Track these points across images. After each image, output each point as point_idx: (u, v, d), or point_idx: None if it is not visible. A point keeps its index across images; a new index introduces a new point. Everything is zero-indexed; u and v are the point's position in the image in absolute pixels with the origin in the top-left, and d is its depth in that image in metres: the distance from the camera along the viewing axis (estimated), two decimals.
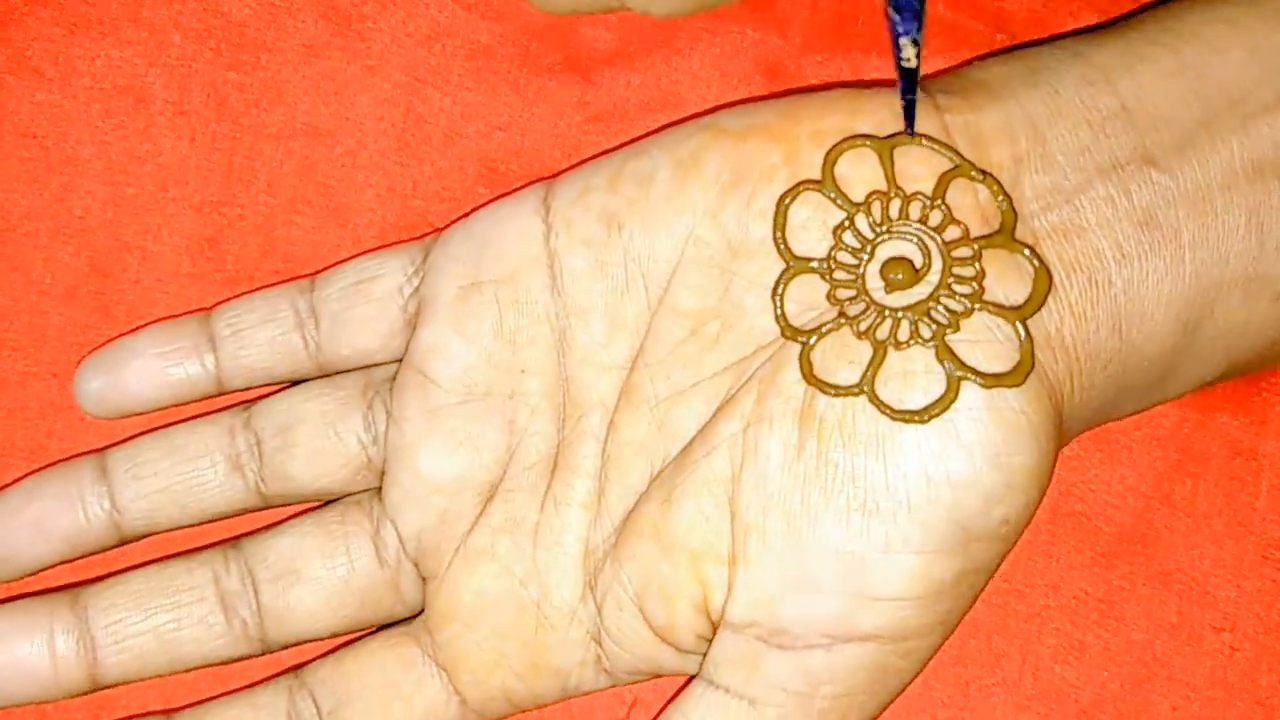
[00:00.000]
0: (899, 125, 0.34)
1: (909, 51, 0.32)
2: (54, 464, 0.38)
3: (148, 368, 0.37)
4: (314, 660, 0.37)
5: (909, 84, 0.33)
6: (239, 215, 0.40)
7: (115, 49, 0.40)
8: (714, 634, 0.34)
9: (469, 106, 0.40)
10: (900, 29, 0.32)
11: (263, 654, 0.36)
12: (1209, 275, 0.33)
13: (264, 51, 0.40)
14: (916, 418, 0.32)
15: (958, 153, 0.34)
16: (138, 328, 0.38)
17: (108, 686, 0.36)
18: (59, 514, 0.36)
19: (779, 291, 0.34)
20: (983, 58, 0.37)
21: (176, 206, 0.40)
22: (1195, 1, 0.35)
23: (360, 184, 0.40)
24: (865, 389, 0.33)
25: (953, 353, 0.33)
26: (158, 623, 0.36)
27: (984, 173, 0.33)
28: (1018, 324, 0.33)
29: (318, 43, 0.40)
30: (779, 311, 0.34)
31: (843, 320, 0.34)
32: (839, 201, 0.34)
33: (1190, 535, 0.39)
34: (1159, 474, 0.39)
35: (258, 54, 0.40)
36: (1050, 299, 0.33)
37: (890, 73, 0.40)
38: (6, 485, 0.38)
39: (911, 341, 0.33)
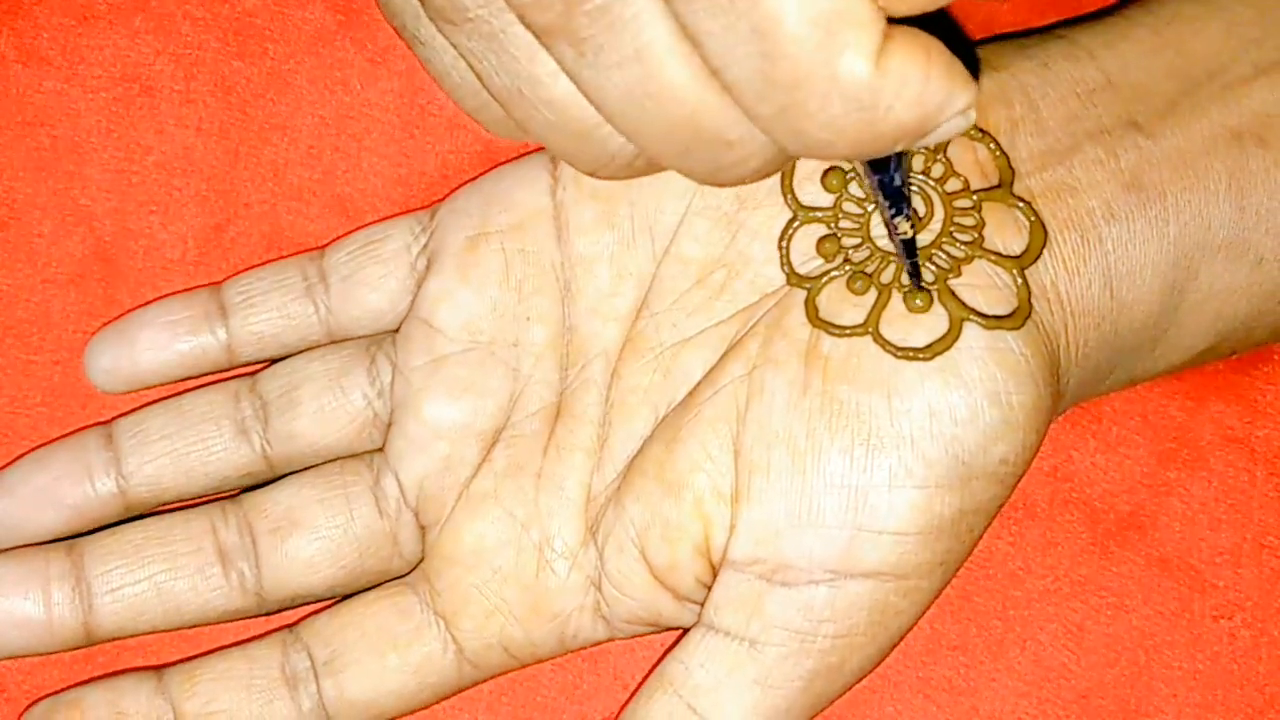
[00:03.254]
0: None
1: (904, 226, 0.33)
2: (60, 437, 0.38)
3: (158, 338, 0.37)
4: (309, 616, 0.37)
5: (909, 250, 0.34)
6: (245, 204, 0.40)
7: (123, 38, 0.40)
8: (713, 579, 0.34)
9: None
10: (891, 211, 0.33)
11: (259, 609, 0.36)
12: (1192, 238, 0.34)
13: (271, 41, 0.40)
14: (921, 355, 0.33)
15: None
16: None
17: (104, 640, 0.36)
18: (66, 484, 0.37)
19: (786, 240, 0.35)
20: (980, 43, 0.38)
21: (182, 195, 0.40)
22: None
23: (365, 172, 0.40)
24: (870, 329, 0.34)
25: (955, 295, 0.33)
26: (153, 572, 0.36)
27: (983, 131, 0.35)
28: (1016, 271, 0.34)
29: (324, 32, 0.40)
30: (785, 259, 0.35)
31: (848, 266, 0.34)
32: None
33: (1188, 522, 0.39)
34: (1155, 462, 0.39)
35: (265, 44, 0.40)
36: (1045, 254, 0.34)
37: None
38: None
39: (915, 284, 0.34)
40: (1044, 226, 0.34)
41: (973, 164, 0.34)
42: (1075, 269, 0.34)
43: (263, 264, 0.39)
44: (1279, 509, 0.39)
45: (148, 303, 0.39)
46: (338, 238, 0.39)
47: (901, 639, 0.35)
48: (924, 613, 0.34)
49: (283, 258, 0.39)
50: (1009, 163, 0.34)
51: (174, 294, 0.38)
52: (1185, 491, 0.39)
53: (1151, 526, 0.39)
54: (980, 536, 0.34)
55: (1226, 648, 0.38)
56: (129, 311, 0.38)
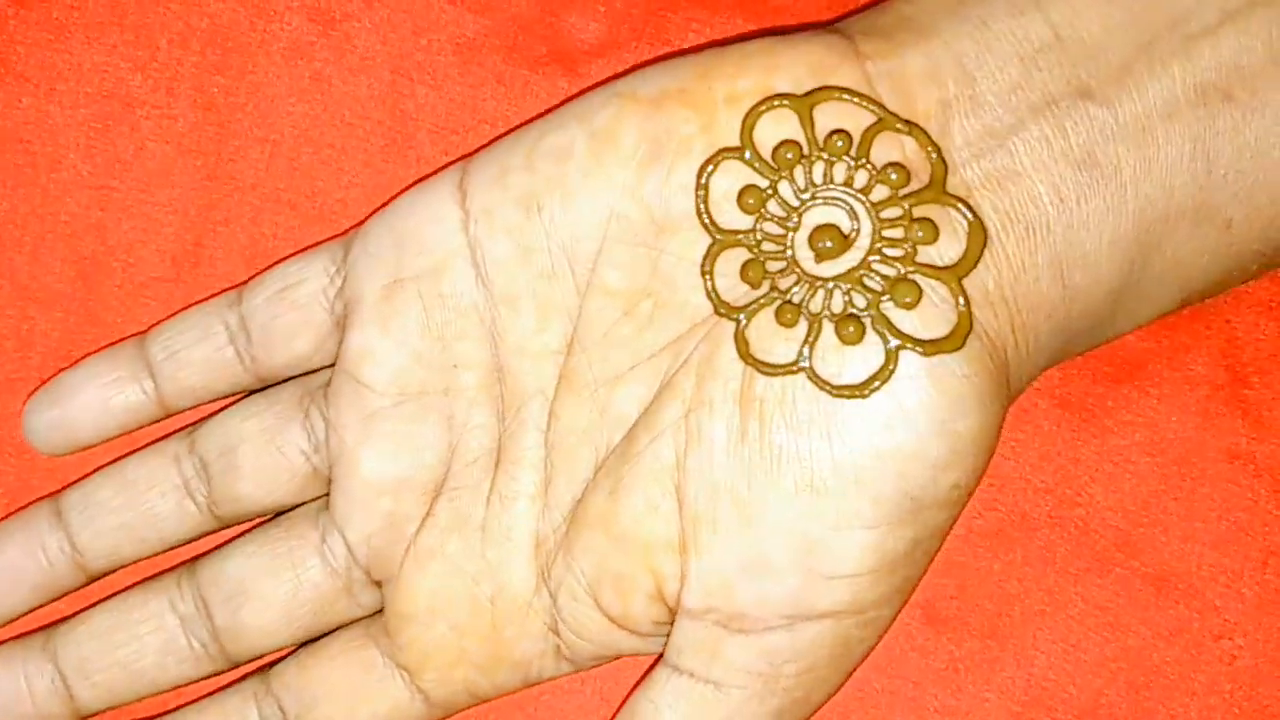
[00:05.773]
0: (818, 79, 0.32)
1: None
2: (10, 515, 0.38)
3: (90, 400, 0.37)
4: (279, 662, 0.37)
5: None
6: (225, 219, 0.40)
7: (101, 53, 0.40)
8: (671, 619, 0.34)
9: (455, 101, 0.39)
10: None
11: (229, 665, 0.37)
12: (1154, 209, 0.32)
13: (249, 55, 0.40)
14: (857, 392, 0.32)
15: (881, 105, 0.32)
16: (125, 336, 0.39)
17: (91, 715, 0.37)
18: (25, 565, 0.37)
19: (708, 268, 0.33)
20: None
21: (162, 210, 0.40)
22: None
23: (347, 184, 0.39)
24: (803, 366, 0.32)
25: (889, 321, 0.32)
26: (122, 656, 0.36)
27: (910, 124, 0.32)
28: (954, 284, 0.31)
29: (303, 43, 0.40)
30: (710, 288, 0.33)
31: (775, 294, 0.32)
32: (760, 169, 0.33)
33: (1188, 541, 0.38)
34: (1157, 479, 0.38)
35: (244, 57, 0.40)
36: (987, 252, 0.32)
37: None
38: None
39: (847, 312, 0.32)
40: (983, 226, 0.31)
41: (900, 162, 0.32)
42: (1021, 264, 0.32)
43: (242, 279, 0.39)
44: None
45: (126, 330, 0.39)
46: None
47: (864, 660, 0.34)
48: (886, 632, 0.34)
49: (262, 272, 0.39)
50: (941, 156, 0.32)
51: (100, 349, 0.38)
52: (1186, 510, 0.38)
53: (1150, 544, 0.38)
54: (937, 552, 0.33)
55: (1225, 668, 0.38)
56: (108, 344, 0.39)
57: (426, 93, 0.39)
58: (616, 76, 0.39)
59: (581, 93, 0.35)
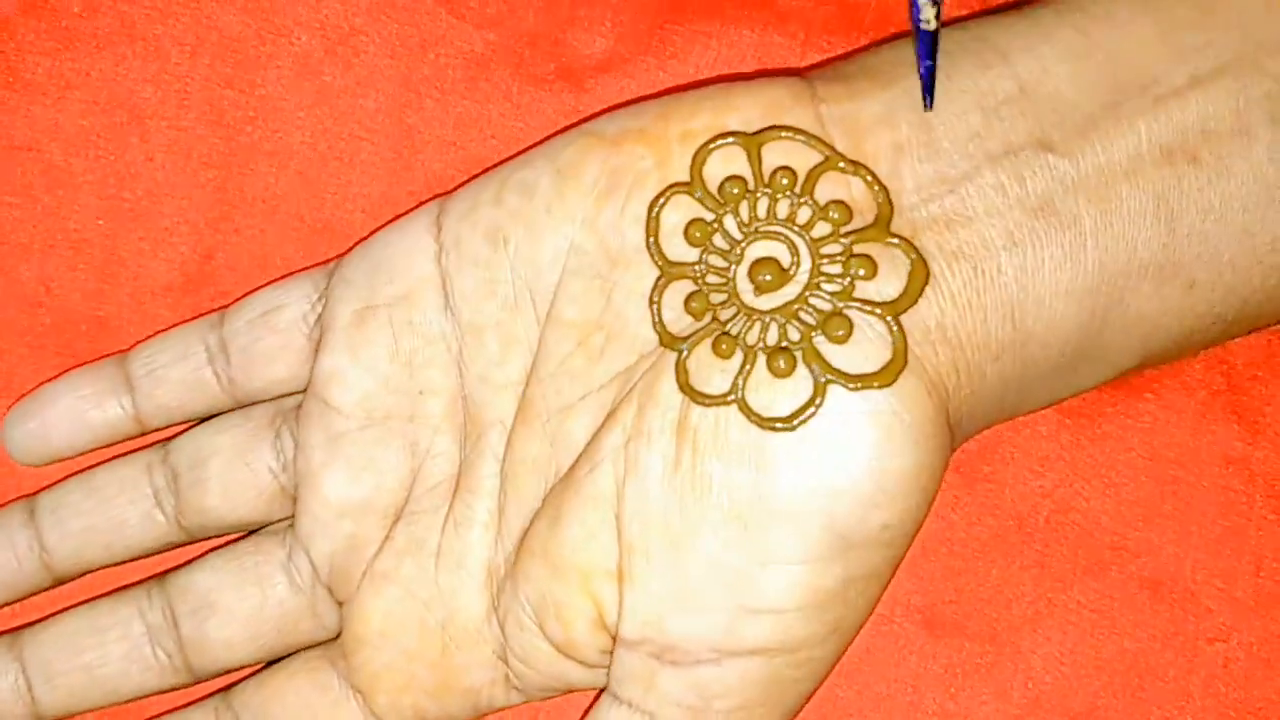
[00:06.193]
0: (770, 120, 0.33)
1: (928, 13, 0.30)
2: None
3: (68, 414, 0.38)
4: (240, 681, 0.37)
5: (928, 48, 0.31)
6: (234, 230, 0.40)
7: (110, 64, 0.40)
8: (614, 647, 0.34)
9: (462, 116, 0.40)
10: None
11: (193, 680, 0.37)
12: (1115, 263, 0.32)
13: (259, 68, 0.40)
14: (785, 425, 0.32)
15: (827, 145, 0.33)
16: (135, 344, 0.39)
17: None
18: None
19: (655, 299, 0.33)
20: (880, 43, 0.36)
21: (171, 222, 0.40)
22: None
23: (355, 196, 0.40)
24: (736, 397, 0.32)
25: (820, 355, 0.32)
26: (86, 661, 0.37)
27: (855, 164, 0.32)
28: (890, 320, 0.32)
29: (312, 58, 0.40)
30: (656, 319, 0.33)
31: (716, 325, 0.33)
32: (706, 203, 0.33)
33: (1184, 545, 0.38)
34: (1153, 484, 0.39)
35: (253, 70, 0.40)
36: (931, 290, 0.32)
37: (771, 60, 0.39)
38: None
39: (780, 344, 0.32)
40: (925, 264, 0.32)
41: (846, 201, 0.33)
42: (967, 303, 0.32)
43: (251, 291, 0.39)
44: (1276, 532, 0.38)
45: (135, 341, 0.39)
46: (326, 260, 0.39)
47: (806, 702, 0.34)
48: (826, 676, 0.34)
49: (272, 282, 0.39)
50: (887, 196, 0.32)
51: (83, 365, 0.39)
52: (1182, 514, 0.39)
53: (1145, 548, 0.39)
54: (878, 598, 0.33)
55: (1220, 670, 0.38)
56: (120, 351, 0.39)
57: (434, 107, 0.40)
58: (623, 90, 0.40)
59: (584, 120, 0.36)
